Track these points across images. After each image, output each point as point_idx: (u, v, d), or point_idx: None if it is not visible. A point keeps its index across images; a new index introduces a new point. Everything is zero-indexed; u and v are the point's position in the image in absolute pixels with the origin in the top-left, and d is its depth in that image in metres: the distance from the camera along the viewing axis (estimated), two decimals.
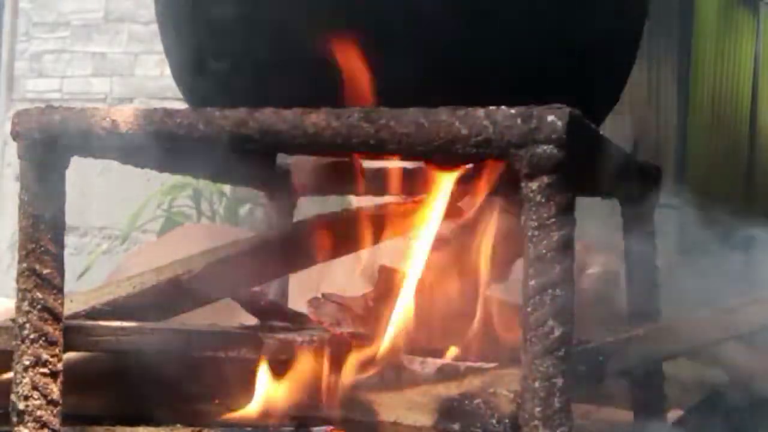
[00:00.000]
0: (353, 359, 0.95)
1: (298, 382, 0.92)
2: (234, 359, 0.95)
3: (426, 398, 0.86)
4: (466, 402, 0.84)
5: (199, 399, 0.97)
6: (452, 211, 1.09)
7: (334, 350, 0.95)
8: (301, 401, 0.92)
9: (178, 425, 0.92)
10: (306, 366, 0.93)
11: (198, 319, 1.05)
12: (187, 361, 0.97)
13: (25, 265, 0.88)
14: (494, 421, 0.82)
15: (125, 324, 0.94)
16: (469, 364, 0.90)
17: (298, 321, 1.02)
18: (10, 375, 0.91)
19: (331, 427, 0.88)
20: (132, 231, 3.85)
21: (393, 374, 0.92)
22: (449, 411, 0.85)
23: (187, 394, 0.98)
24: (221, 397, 0.96)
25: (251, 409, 0.93)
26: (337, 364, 0.96)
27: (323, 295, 0.98)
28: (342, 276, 1.57)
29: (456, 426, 0.84)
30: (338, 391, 0.91)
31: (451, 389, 0.86)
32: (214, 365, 0.96)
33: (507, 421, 0.82)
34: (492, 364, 0.89)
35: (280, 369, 0.94)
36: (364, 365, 0.94)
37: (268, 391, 0.93)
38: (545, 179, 0.77)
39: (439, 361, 0.92)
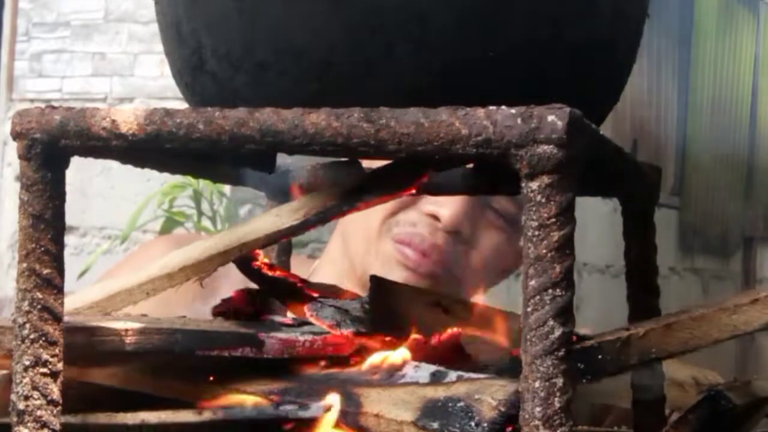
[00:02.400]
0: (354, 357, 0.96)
1: None
2: (236, 358, 0.95)
3: (412, 397, 0.87)
4: (450, 404, 0.85)
5: (196, 376, 0.97)
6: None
7: (336, 349, 0.96)
8: None
9: (180, 409, 0.92)
10: None
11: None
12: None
13: (25, 265, 0.88)
14: (473, 423, 0.83)
15: (128, 324, 0.95)
16: (461, 372, 0.91)
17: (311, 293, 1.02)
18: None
19: (330, 404, 0.89)
20: (132, 231, 3.85)
21: (384, 374, 0.93)
22: (432, 411, 0.85)
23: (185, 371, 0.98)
24: (217, 375, 0.96)
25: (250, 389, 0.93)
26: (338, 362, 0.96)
27: (320, 299, 0.99)
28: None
29: (435, 424, 0.84)
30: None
31: (438, 392, 0.86)
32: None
33: (486, 425, 0.83)
34: (483, 375, 0.90)
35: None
36: (363, 363, 0.95)
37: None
38: (545, 179, 0.77)
39: (432, 367, 0.93)
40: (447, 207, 1.51)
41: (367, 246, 1.57)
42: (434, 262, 1.53)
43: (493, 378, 0.88)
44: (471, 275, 1.52)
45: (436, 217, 1.52)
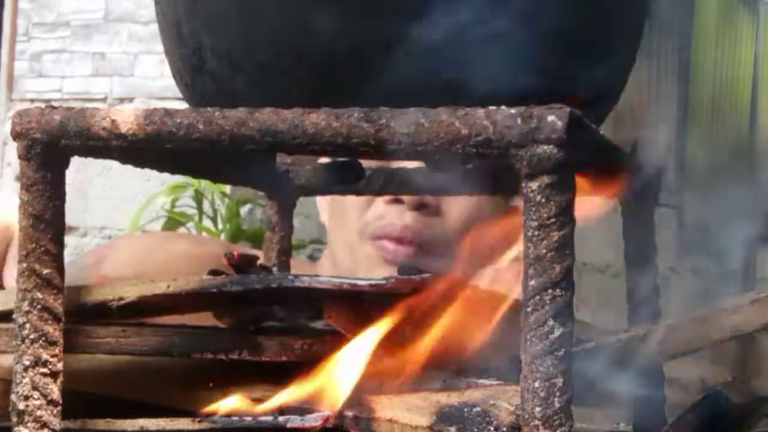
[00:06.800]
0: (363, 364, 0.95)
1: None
2: (233, 361, 0.95)
3: (426, 403, 0.87)
4: (465, 409, 0.85)
5: (195, 384, 0.97)
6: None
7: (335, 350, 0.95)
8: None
9: (179, 416, 0.92)
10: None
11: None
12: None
13: (25, 265, 0.88)
14: (492, 428, 0.83)
15: (125, 325, 0.95)
16: (472, 379, 0.91)
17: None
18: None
19: (329, 413, 0.88)
20: (134, 231, 3.86)
21: (394, 382, 0.93)
22: (447, 416, 0.85)
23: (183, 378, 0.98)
24: (216, 381, 0.96)
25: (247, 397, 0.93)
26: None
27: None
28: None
29: (452, 429, 0.84)
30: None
31: (451, 398, 0.86)
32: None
33: (505, 429, 0.83)
34: (496, 381, 0.90)
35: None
36: (372, 370, 0.94)
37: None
38: (545, 179, 0.77)
39: (443, 375, 0.93)
40: None
41: (351, 255, 1.55)
42: (409, 243, 1.50)
43: (505, 384, 0.88)
44: (453, 240, 1.49)
45: (399, 201, 1.50)
